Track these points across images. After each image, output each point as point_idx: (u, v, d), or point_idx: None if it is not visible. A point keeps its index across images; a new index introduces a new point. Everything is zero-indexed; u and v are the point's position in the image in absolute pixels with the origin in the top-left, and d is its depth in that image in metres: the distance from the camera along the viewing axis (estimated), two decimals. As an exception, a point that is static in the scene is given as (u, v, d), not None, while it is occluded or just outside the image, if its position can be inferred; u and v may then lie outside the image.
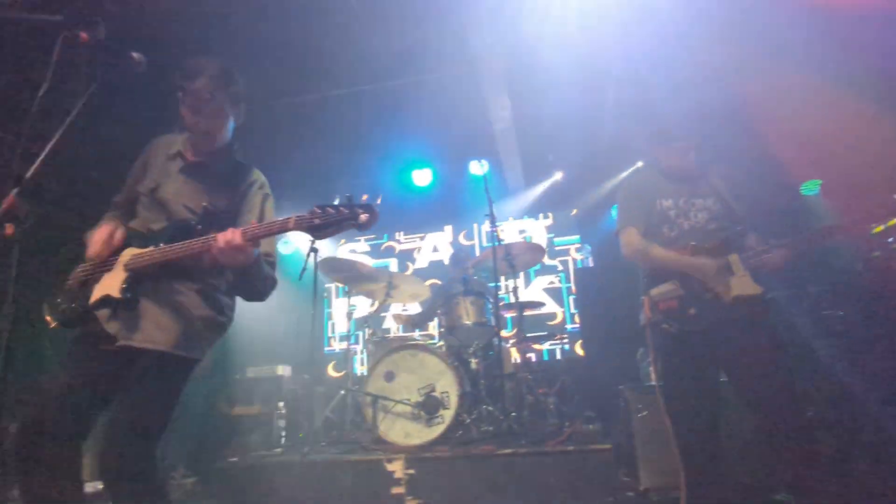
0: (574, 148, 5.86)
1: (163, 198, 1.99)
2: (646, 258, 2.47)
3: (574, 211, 6.60)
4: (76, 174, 4.08)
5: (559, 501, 3.07)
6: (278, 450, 4.10)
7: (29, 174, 1.45)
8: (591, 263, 6.21)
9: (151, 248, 1.84)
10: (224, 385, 4.53)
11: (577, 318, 6.12)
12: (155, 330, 1.81)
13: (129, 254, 1.87)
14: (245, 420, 4.31)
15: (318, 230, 1.65)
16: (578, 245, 6.51)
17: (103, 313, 1.82)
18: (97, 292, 1.83)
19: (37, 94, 1.55)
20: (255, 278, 1.95)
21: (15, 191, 1.37)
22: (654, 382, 3.34)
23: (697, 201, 2.48)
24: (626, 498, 3.11)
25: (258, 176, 2.15)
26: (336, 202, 1.67)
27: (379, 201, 1.77)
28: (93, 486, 4.06)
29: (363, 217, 1.63)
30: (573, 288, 6.26)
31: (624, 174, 5.70)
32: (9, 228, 1.27)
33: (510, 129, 5.33)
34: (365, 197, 1.86)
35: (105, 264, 1.89)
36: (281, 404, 4.57)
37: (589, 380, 4.92)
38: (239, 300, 2.12)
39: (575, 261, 6.48)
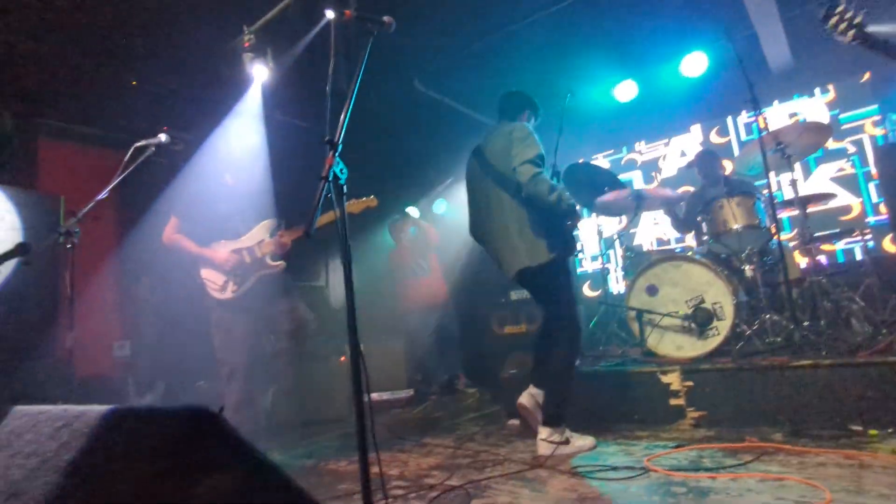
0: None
1: None
2: None
3: (866, 75, 5.24)
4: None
5: (875, 420, 2.66)
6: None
7: (337, 138, 1.77)
8: (897, 137, 4.91)
9: None
10: (493, 308, 4.99)
11: (882, 208, 4.97)
12: None
13: None
14: (515, 338, 4.73)
15: None
16: (877, 117, 5.19)
17: None
18: None
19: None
20: None
21: (331, 152, 1.69)
22: None
23: None
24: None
25: None
26: None
27: None
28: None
29: None
30: (874, 171, 5.06)
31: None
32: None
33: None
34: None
35: None
36: (545, 322, 4.87)
37: (909, 280, 4.01)
38: None
39: (873, 137, 5.20)
